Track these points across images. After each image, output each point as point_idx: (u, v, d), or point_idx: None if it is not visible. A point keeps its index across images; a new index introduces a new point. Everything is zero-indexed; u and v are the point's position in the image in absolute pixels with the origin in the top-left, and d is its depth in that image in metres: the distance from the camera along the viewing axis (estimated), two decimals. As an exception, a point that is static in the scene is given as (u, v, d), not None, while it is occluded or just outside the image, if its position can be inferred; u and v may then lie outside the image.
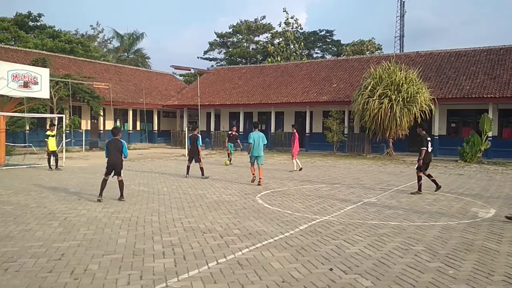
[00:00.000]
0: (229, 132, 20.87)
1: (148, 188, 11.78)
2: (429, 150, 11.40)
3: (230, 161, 19.45)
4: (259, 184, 12.38)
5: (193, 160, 14.40)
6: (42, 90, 17.46)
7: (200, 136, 14.63)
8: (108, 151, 9.69)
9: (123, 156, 9.78)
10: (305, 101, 29.35)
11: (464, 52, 28.96)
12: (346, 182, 13.73)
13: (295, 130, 17.49)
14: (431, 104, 23.71)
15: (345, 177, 15.11)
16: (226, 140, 20.35)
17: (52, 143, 16.08)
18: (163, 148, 32.13)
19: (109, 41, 58.01)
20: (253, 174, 12.79)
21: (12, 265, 5.19)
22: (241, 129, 32.94)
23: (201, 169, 14.08)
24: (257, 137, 12.73)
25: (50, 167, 15.91)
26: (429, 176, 11.60)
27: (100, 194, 9.68)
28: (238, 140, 20.31)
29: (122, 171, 9.79)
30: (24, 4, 77.51)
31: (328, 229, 7.25)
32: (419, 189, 11.35)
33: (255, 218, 8.05)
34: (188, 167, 14.55)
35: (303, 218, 8.06)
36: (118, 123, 35.55)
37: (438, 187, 11.53)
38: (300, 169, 16.64)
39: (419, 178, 11.44)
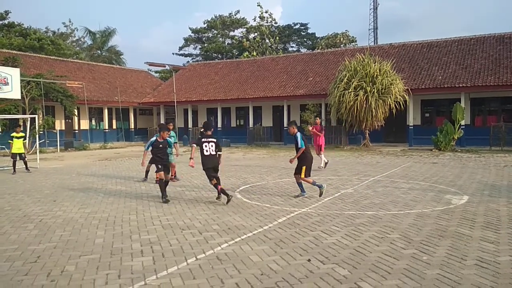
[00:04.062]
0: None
1: (126, 187, 11.66)
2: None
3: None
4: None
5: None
6: (13, 91, 17.04)
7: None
8: None
9: None
10: (282, 95, 29.46)
11: (436, 43, 29.51)
12: (324, 173, 13.87)
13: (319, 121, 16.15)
14: (405, 95, 24.10)
15: (323, 169, 15.25)
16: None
17: (17, 145, 15.48)
18: (141, 146, 31.76)
19: (81, 40, 56.95)
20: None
21: (-14, 270, 5.09)
22: (219, 125, 32.92)
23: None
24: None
25: (14, 171, 15.21)
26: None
27: None
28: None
29: None
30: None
31: (306, 220, 7.33)
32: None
33: (234, 213, 8.07)
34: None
35: (281, 211, 8.13)
36: (93, 122, 35.04)
37: (227, 199, 8.78)
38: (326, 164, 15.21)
39: (300, 184, 9.67)
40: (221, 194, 9.00)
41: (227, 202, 8.77)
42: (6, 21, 45.06)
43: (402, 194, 9.77)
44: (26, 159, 15.77)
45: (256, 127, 30.91)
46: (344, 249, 5.70)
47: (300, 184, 9.67)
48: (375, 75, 23.86)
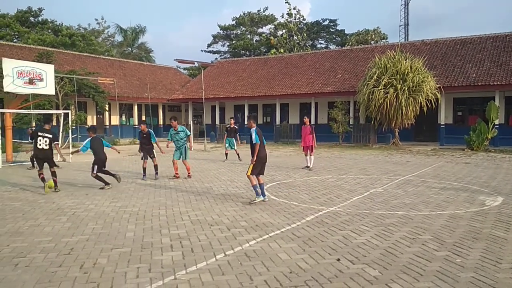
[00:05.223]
0: (227, 126, 18.39)
1: (155, 182, 11.83)
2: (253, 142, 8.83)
3: (230, 157, 17.79)
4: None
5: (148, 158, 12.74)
6: (48, 87, 17.49)
7: (152, 131, 13.00)
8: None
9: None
10: (310, 92, 29.28)
11: (470, 40, 28.69)
12: (352, 172, 13.71)
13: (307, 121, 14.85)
14: (437, 93, 23.55)
15: (351, 167, 15.09)
16: (225, 135, 17.97)
17: None
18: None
19: (112, 37, 58.16)
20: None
21: (22, 260, 5.25)
22: (246, 122, 32.98)
23: (155, 166, 12.72)
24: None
25: (33, 165, 14.48)
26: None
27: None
28: (238, 134, 18.06)
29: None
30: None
31: (335, 219, 7.26)
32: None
33: (262, 210, 8.07)
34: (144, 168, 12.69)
35: (309, 209, 8.07)
36: (123, 118, 35.71)
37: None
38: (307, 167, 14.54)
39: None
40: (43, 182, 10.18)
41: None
42: (39, 18, 46.27)
43: (433, 195, 9.55)
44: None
45: (283, 124, 30.83)
46: (374, 249, 5.61)
47: (255, 187, 8.77)
48: (406, 72, 23.41)
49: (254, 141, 8.80)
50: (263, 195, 8.91)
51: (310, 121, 15.28)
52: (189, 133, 12.93)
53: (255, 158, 8.76)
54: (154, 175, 12.62)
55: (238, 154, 17.72)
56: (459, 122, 26.60)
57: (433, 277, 4.63)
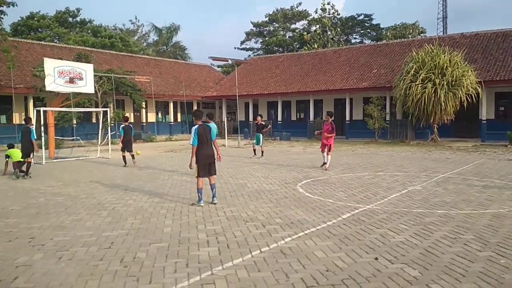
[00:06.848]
0: (255, 122, 18.46)
1: (191, 178, 11.95)
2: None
3: (259, 153, 17.44)
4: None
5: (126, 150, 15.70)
6: (87, 85, 18.02)
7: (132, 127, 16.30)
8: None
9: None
10: (344, 88, 28.87)
11: (512, 32, 27.50)
12: (389, 169, 13.43)
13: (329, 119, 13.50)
14: (477, 87, 22.73)
15: (388, 164, 14.79)
16: (254, 130, 18.05)
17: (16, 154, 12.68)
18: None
19: (147, 35, 59.29)
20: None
21: (65, 254, 5.43)
22: (279, 118, 32.94)
23: (126, 158, 15.50)
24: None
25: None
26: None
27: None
28: (265, 129, 17.85)
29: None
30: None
31: (372, 218, 7.13)
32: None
33: (297, 207, 8.03)
34: (124, 157, 15.56)
35: (345, 207, 7.97)
36: (159, 115, 36.39)
37: None
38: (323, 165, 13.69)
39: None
40: None
41: None
42: (78, 19, 47.72)
43: (475, 193, 9.23)
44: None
45: (317, 121, 30.53)
46: (414, 248, 5.47)
47: (198, 191, 8.37)
48: (444, 67, 22.71)
49: (190, 142, 8.11)
50: (214, 196, 8.43)
51: (332, 117, 13.52)
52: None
53: (192, 161, 8.15)
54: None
55: (262, 151, 17.38)
56: (502, 118, 25.57)
57: (476, 278, 4.47)
